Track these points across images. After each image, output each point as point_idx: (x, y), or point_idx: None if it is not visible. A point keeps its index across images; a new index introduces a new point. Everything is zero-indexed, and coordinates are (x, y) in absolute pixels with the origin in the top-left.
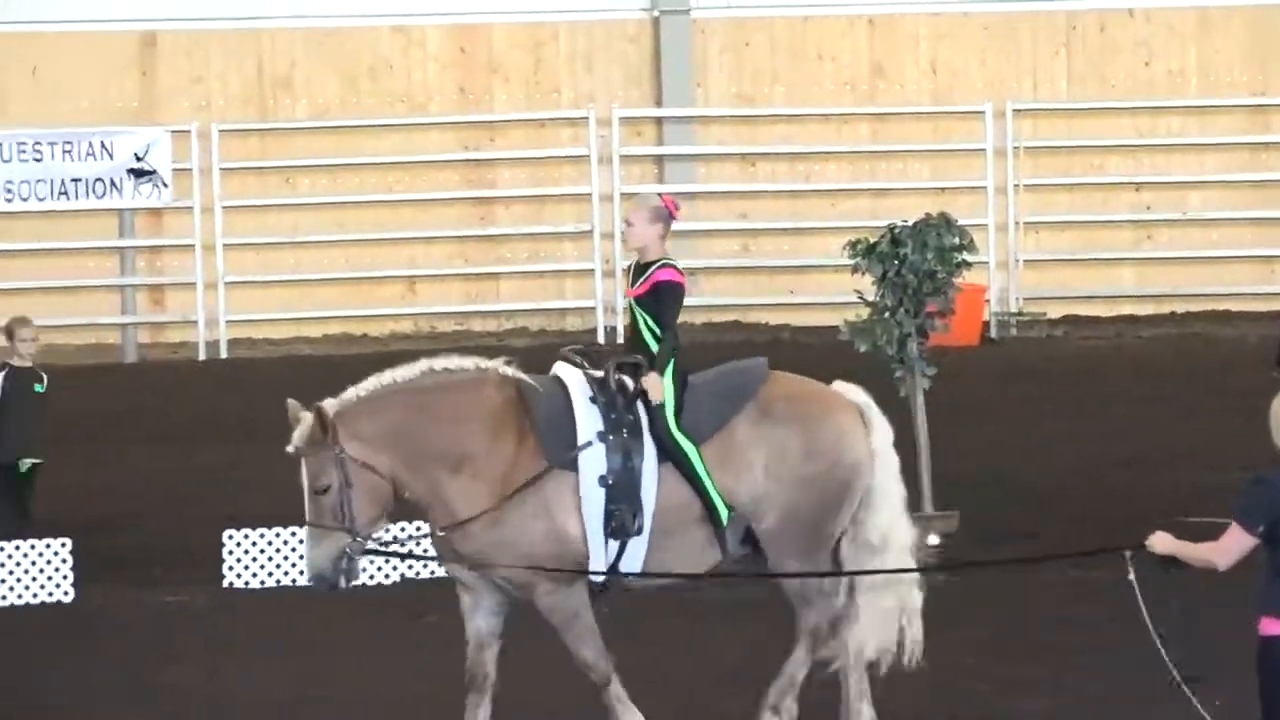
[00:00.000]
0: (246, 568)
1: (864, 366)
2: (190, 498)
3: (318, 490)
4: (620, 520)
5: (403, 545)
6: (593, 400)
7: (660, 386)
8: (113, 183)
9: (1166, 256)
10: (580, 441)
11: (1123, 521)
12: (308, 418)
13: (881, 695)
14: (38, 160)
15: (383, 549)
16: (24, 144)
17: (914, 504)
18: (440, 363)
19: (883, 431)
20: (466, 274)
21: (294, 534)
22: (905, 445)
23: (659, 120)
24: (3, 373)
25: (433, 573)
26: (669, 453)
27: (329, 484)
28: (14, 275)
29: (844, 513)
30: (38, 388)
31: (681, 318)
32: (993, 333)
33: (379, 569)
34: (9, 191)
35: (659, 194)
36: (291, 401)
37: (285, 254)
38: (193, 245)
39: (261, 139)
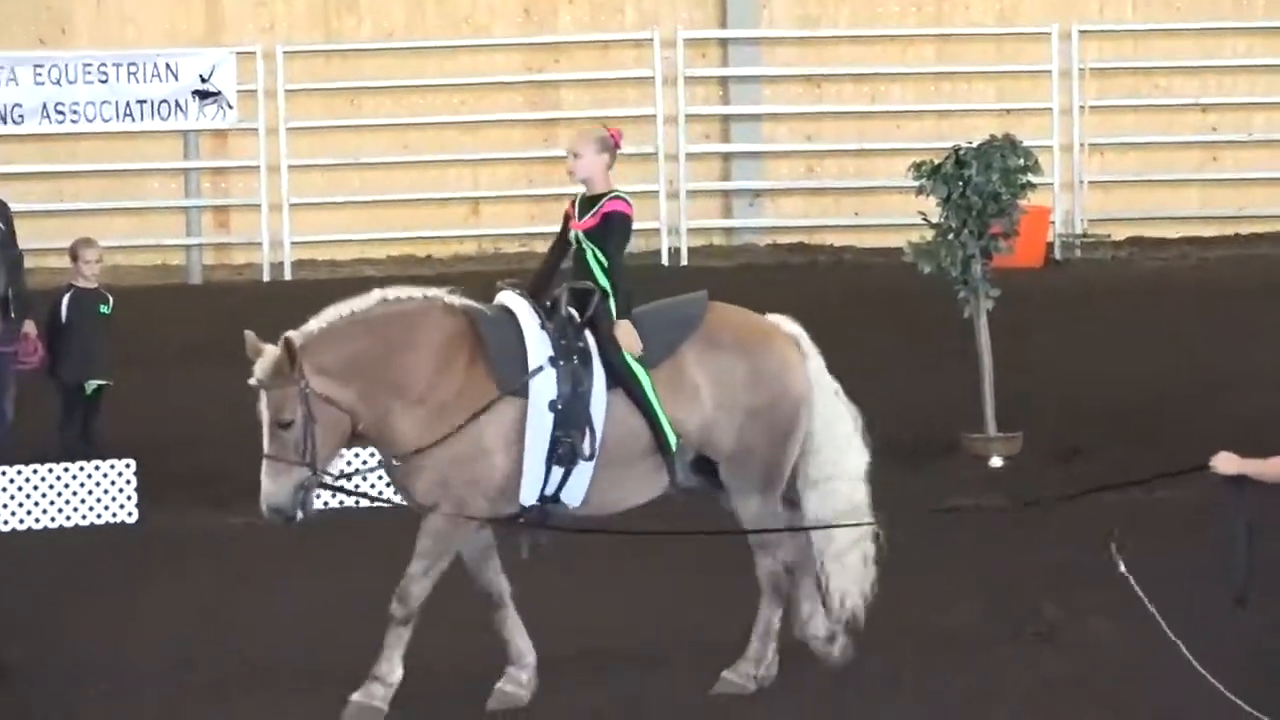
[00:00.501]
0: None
1: (928, 288)
2: (254, 420)
3: (281, 424)
4: (569, 447)
5: (364, 477)
6: (542, 327)
7: (632, 335)
8: (178, 104)
9: (1232, 178)
10: (531, 367)
11: (1188, 442)
12: (271, 350)
13: (941, 607)
14: (103, 82)
15: (338, 484)
16: (89, 66)
17: (978, 425)
18: (393, 292)
19: (817, 361)
20: (530, 195)
21: (356, 455)
22: (969, 367)
23: (723, 41)
24: (67, 294)
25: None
26: (619, 379)
27: (293, 418)
28: (79, 197)
29: (793, 445)
30: (103, 309)
31: (746, 238)
32: (1057, 254)
33: None
34: (75, 113)
35: (603, 124)
36: (249, 334)
37: (350, 175)
38: (257, 167)
39: (326, 60)
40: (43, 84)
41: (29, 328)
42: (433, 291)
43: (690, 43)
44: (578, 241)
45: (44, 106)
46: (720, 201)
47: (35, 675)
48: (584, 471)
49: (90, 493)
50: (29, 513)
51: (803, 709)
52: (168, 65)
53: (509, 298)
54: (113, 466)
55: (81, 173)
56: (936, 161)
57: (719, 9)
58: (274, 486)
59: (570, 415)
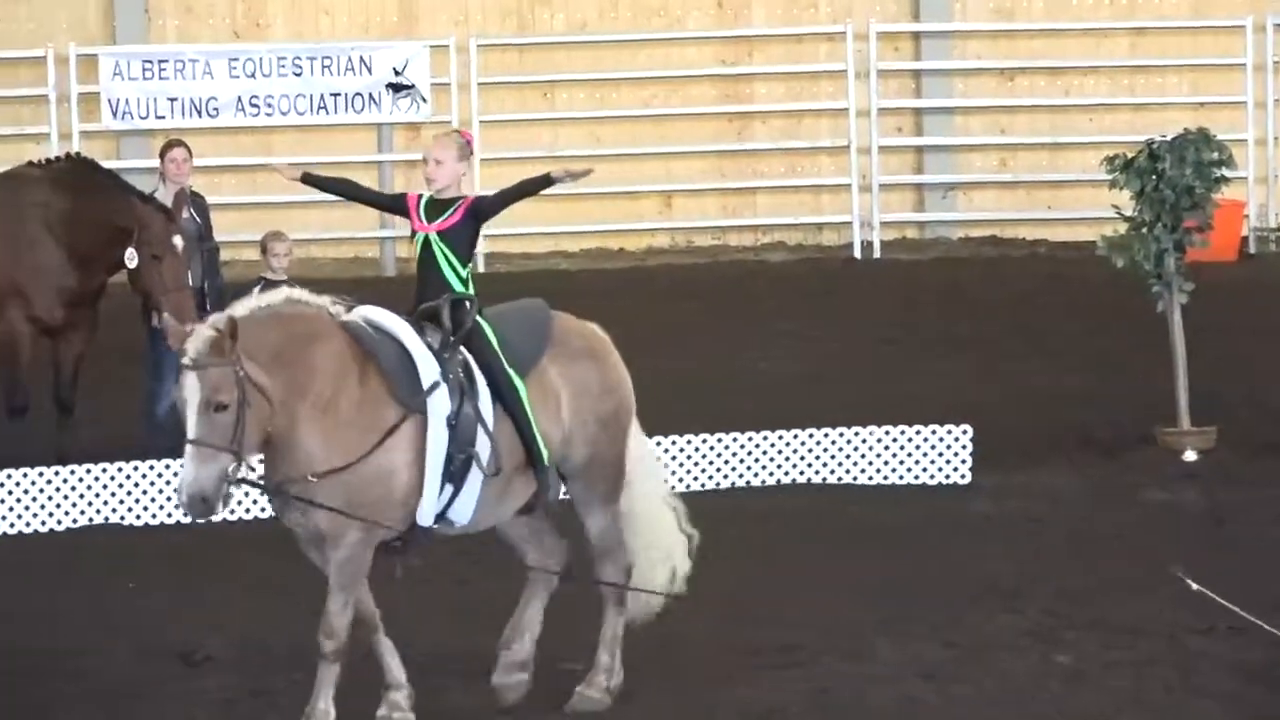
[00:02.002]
0: None
1: (1121, 282)
2: None
3: (215, 406)
4: (462, 464)
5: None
6: (426, 342)
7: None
8: (371, 97)
9: None
10: (426, 384)
11: None
12: (203, 329)
13: (1126, 600)
14: (297, 75)
15: (255, 482)
16: (284, 59)
17: (1171, 419)
18: (298, 293)
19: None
20: (723, 188)
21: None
22: (1163, 361)
23: (916, 35)
24: (257, 286)
25: None
26: (499, 391)
27: (228, 401)
28: (273, 189)
29: (627, 453)
30: None
31: (939, 232)
32: (1251, 248)
33: None
34: (269, 106)
35: (456, 129)
36: (167, 316)
37: (542, 168)
38: None
39: (520, 53)
40: (238, 77)
41: None
42: (323, 299)
43: (883, 36)
44: (426, 244)
45: (239, 100)
46: (913, 195)
47: (234, 665)
48: (474, 489)
49: None
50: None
51: (985, 701)
52: (362, 58)
53: (376, 313)
54: None
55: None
56: (1130, 155)
57: (912, 2)
58: (200, 473)
59: (464, 431)
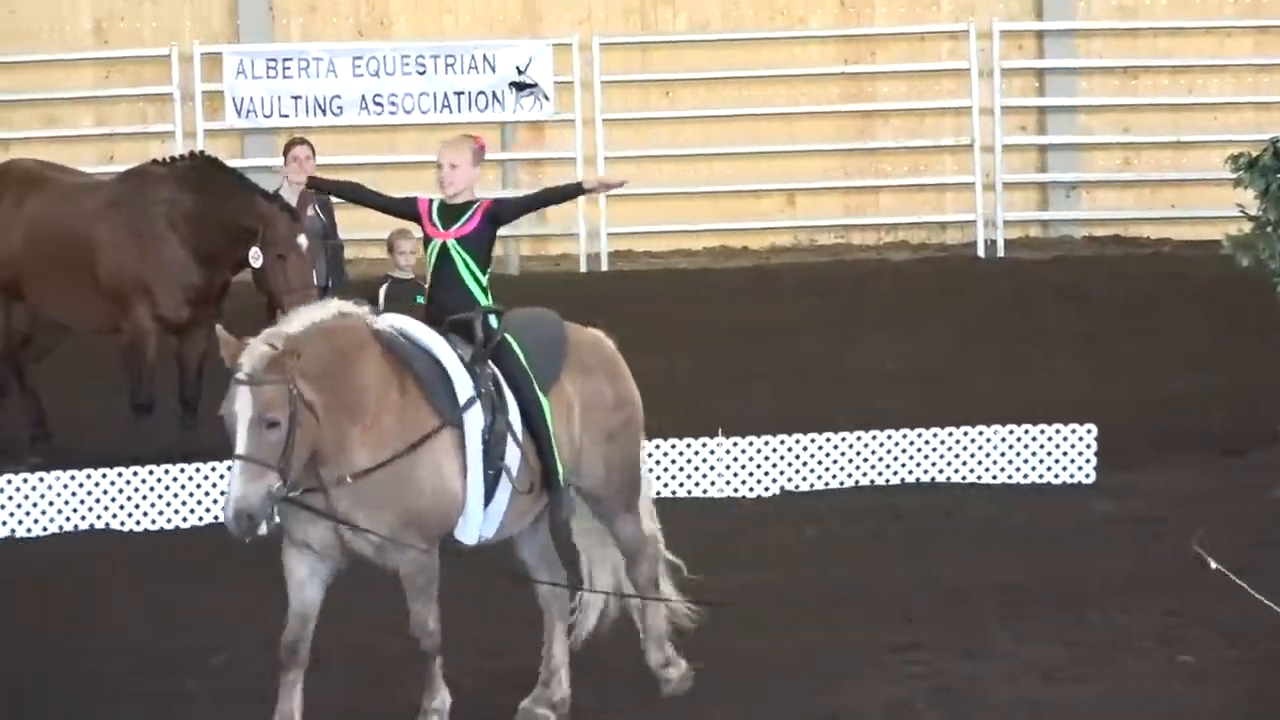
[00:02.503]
0: None
1: (1246, 280)
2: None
3: (267, 423)
4: (491, 480)
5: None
6: (460, 356)
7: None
8: (495, 96)
9: None
10: (462, 399)
11: None
12: (259, 345)
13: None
14: (421, 73)
15: (299, 500)
16: (408, 58)
17: None
18: (348, 306)
19: None
20: (846, 187)
21: (673, 446)
22: None
23: (1039, 33)
24: (384, 285)
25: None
26: (525, 407)
27: (279, 419)
28: (399, 187)
29: (642, 462)
30: (418, 299)
31: (1063, 230)
32: None
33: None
34: (393, 104)
35: (468, 134)
36: (219, 328)
37: (665, 167)
38: (574, 158)
39: (642, 52)
40: (361, 76)
41: None
42: (363, 308)
43: (1006, 34)
44: (443, 251)
45: (363, 98)
46: (1036, 193)
47: (353, 660)
48: (502, 504)
49: None
50: None
51: (1107, 702)
52: (485, 57)
53: (409, 324)
54: None
55: (400, 164)
56: (1254, 154)
57: (1035, 1)
58: (248, 490)
59: (496, 446)
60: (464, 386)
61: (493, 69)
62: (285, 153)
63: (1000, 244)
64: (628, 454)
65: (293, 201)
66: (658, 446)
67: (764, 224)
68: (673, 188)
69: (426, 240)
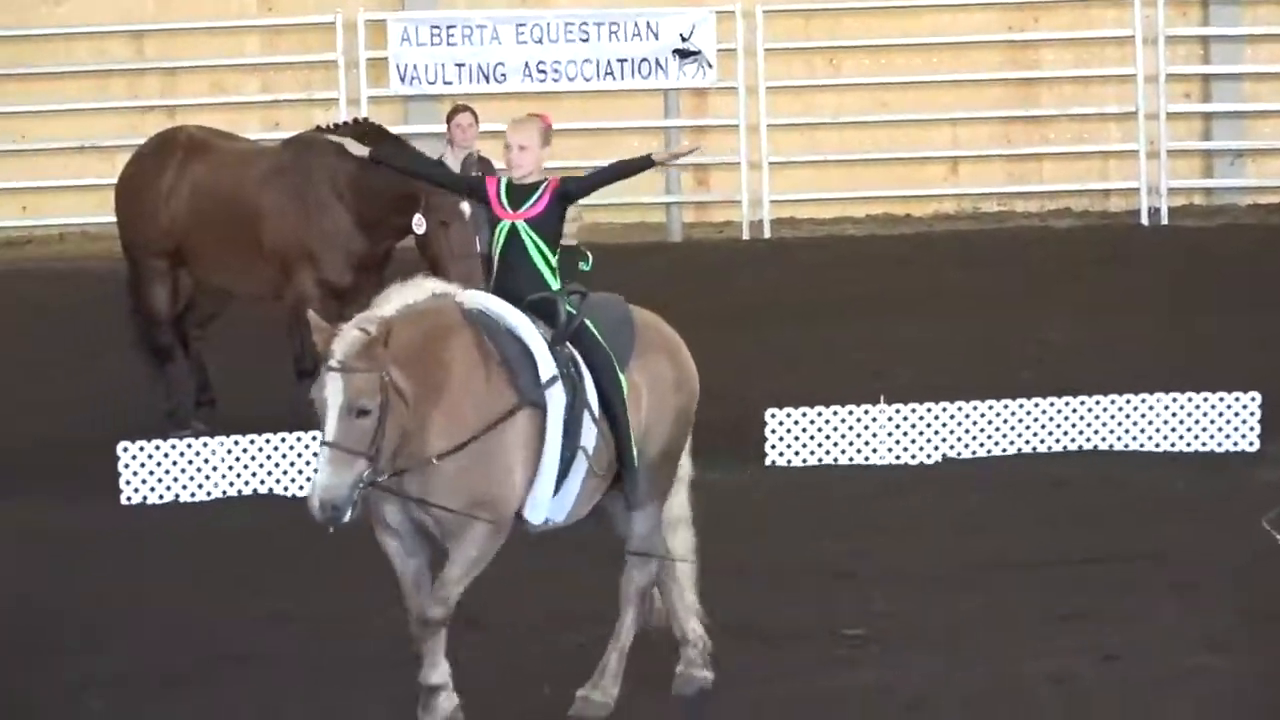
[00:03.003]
0: (789, 446)
1: None
2: (734, 376)
3: (358, 411)
4: (570, 460)
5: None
6: (542, 335)
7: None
8: (658, 63)
9: None
10: (545, 377)
11: None
12: (354, 331)
13: None
14: (584, 41)
15: (387, 486)
16: (571, 25)
17: None
18: (441, 286)
19: None
20: (1009, 155)
21: (834, 413)
22: None
23: (1204, 1)
24: None
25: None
26: (605, 389)
27: (371, 407)
28: (561, 155)
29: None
30: (582, 266)
31: (1227, 198)
32: None
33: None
34: (556, 72)
35: (536, 114)
36: (312, 314)
37: (828, 134)
38: (737, 126)
39: (805, 20)
40: (525, 43)
41: None
42: (452, 286)
43: (1171, 1)
44: (512, 232)
45: (526, 65)
46: (1201, 161)
47: (512, 628)
48: (575, 485)
49: None
50: None
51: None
52: (648, 24)
53: (493, 302)
54: None
55: (563, 131)
56: None
57: None
58: (335, 479)
59: (575, 427)
60: (546, 366)
61: (656, 36)
62: (449, 120)
63: (1164, 212)
64: (679, 439)
65: (456, 168)
66: (819, 414)
67: (927, 191)
68: (836, 155)
69: (494, 220)
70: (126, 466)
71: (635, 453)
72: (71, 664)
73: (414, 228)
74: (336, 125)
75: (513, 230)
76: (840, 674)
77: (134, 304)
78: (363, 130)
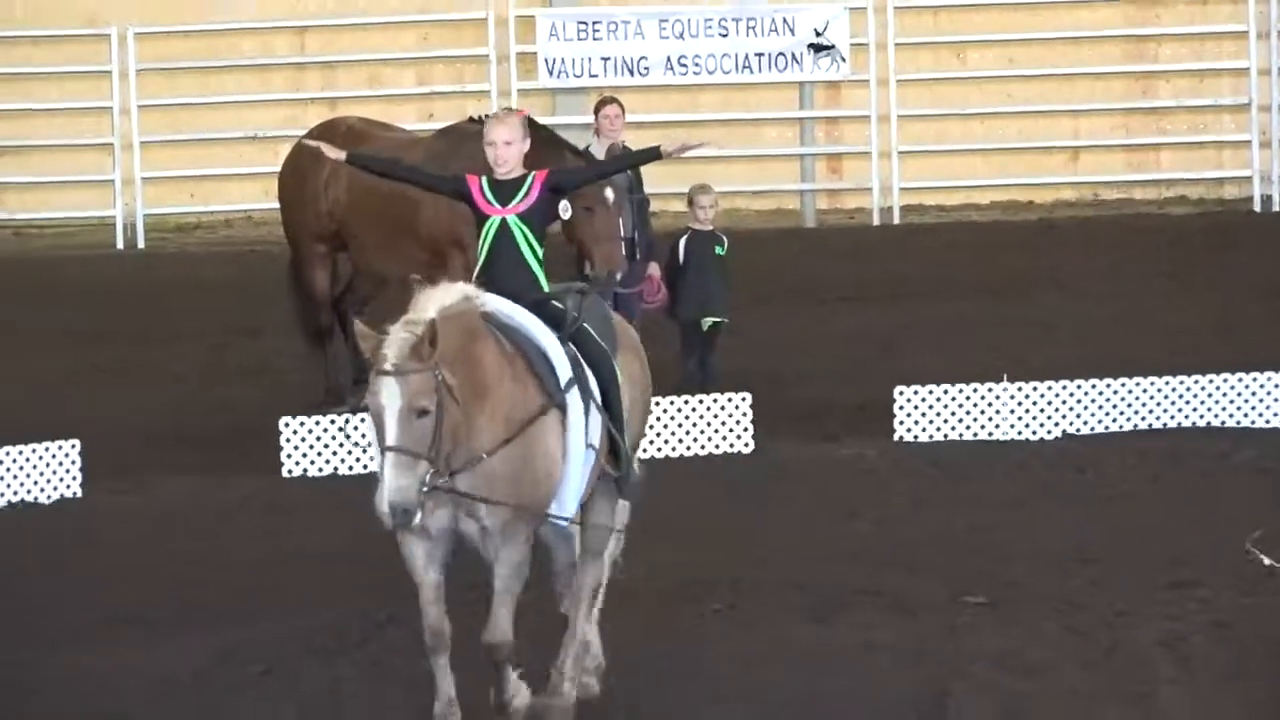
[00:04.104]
0: (916, 423)
1: None
2: (865, 355)
3: (418, 412)
4: (586, 457)
5: None
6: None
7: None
8: (793, 57)
9: None
10: (563, 380)
11: None
12: (402, 334)
13: None
14: (723, 36)
15: (451, 487)
16: (711, 21)
17: None
18: (472, 290)
19: None
20: (1128, 144)
21: (960, 391)
22: None
23: None
24: (685, 237)
25: None
26: (605, 387)
27: (429, 406)
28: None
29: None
30: (718, 250)
31: None
32: None
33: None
34: (697, 65)
35: (513, 108)
36: (358, 322)
37: (956, 125)
38: (868, 116)
39: (934, 15)
40: (667, 38)
41: (653, 270)
42: (470, 288)
43: None
44: (501, 228)
45: (668, 59)
46: None
47: (655, 594)
48: (585, 483)
49: (709, 424)
50: (650, 442)
51: None
52: (784, 20)
53: (503, 304)
54: (729, 399)
55: (702, 121)
56: None
57: None
58: (404, 482)
59: (586, 425)
60: (563, 367)
61: (792, 31)
62: (595, 111)
63: (1276, 199)
64: (641, 434)
65: (602, 156)
66: (946, 391)
67: (1049, 179)
68: (963, 145)
69: (481, 217)
70: (288, 441)
71: (627, 449)
72: (230, 629)
73: (560, 213)
74: (488, 116)
75: (502, 225)
76: (964, 639)
77: (295, 286)
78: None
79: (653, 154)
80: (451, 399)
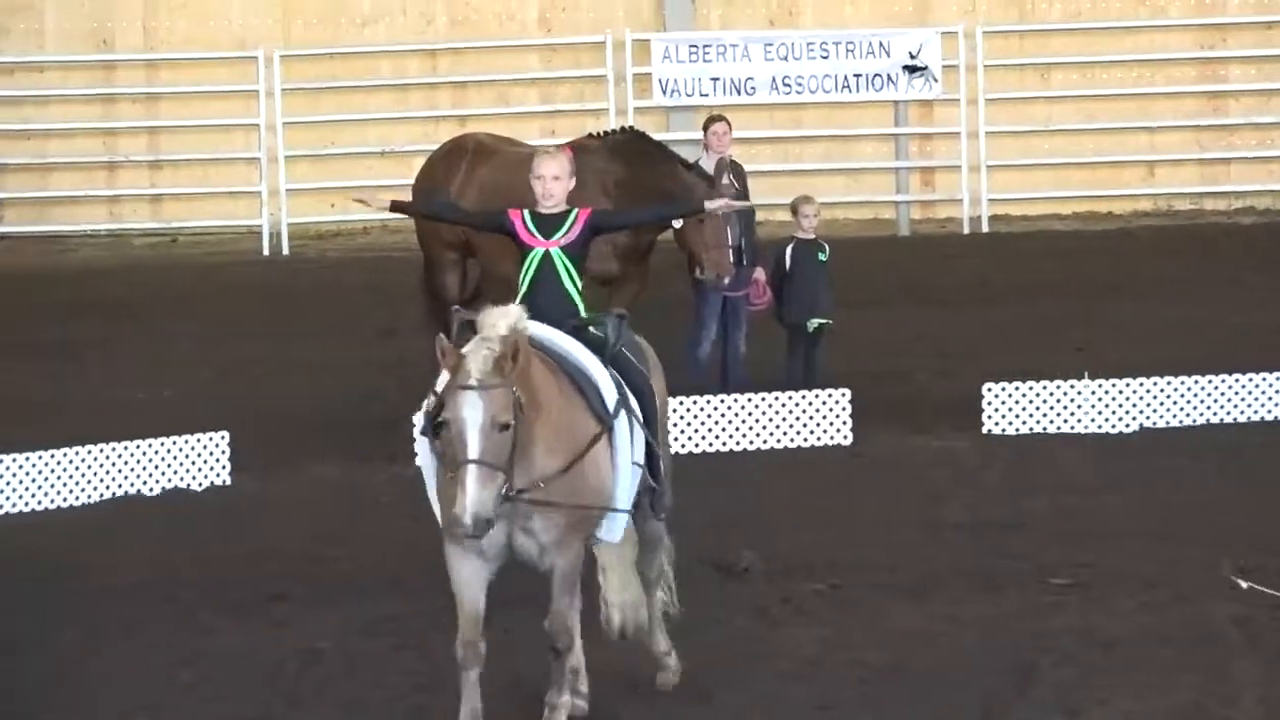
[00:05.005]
0: (1003, 417)
1: None
2: (955, 354)
3: (500, 426)
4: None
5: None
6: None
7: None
8: (889, 78)
9: None
10: (610, 402)
11: None
12: (484, 349)
13: None
14: (825, 58)
15: (533, 498)
16: (813, 44)
17: None
18: (523, 311)
19: None
20: (1200, 159)
21: (1044, 387)
22: None
23: None
24: (790, 245)
25: None
26: (645, 409)
27: (509, 420)
28: (803, 158)
29: None
30: (820, 257)
31: None
32: None
33: None
34: (799, 86)
35: (559, 145)
36: (440, 337)
37: (1040, 141)
38: (959, 133)
39: (1020, 39)
40: (772, 60)
41: (759, 274)
42: (523, 314)
43: None
44: (544, 260)
45: (773, 80)
46: None
47: (766, 574)
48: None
49: (811, 418)
50: (757, 434)
51: None
52: (881, 43)
53: (545, 330)
54: (830, 395)
55: (805, 138)
56: None
57: None
58: (485, 495)
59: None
60: (609, 390)
61: (888, 54)
62: (705, 128)
63: None
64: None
65: (710, 170)
66: (1031, 388)
67: (1127, 191)
68: (1047, 159)
69: (524, 249)
70: (410, 440)
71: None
72: (367, 606)
73: (672, 222)
74: (607, 132)
75: (545, 257)
76: (1049, 617)
77: (427, 289)
78: (628, 137)
79: (696, 208)
80: (523, 414)
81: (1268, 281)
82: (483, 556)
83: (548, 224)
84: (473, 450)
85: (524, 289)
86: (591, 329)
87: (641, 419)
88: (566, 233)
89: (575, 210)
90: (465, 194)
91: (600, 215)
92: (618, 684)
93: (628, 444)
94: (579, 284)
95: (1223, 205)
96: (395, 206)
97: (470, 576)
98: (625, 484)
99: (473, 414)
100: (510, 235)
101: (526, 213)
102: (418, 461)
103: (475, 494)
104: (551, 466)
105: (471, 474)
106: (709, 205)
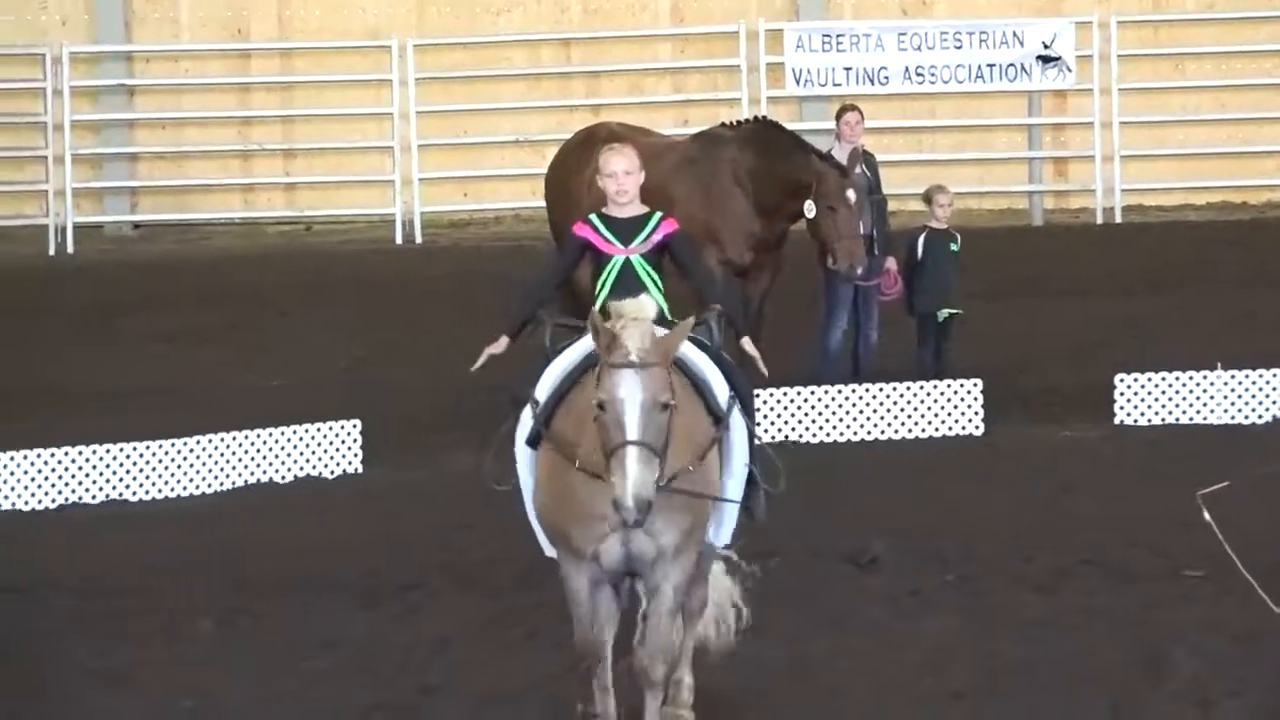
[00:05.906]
0: (1135, 407)
1: None
2: (1088, 344)
3: (660, 406)
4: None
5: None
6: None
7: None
8: (1023, 68)
9: None
10: (722, 398)
11: None
12: (641, 327)
13: None
14: (958, 48)
15: (683, 488)
16: (946, 34)
17: None
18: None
19: None
20: None
21: (1176, 378)
22: None
23: None
24: (922, 234)
25: None
26: (745, 407)
27: (668, 401)
28: (935, 148)
29: None
30: (952, 247)
31: None
32: None
33: None
34: (933, 75)
35: (625, 142)
36: (594, 313)
37: (1174, 131)
38: (1092, 123)
39: (1155, 30)
40: (905, 50)
41: (890, 264)
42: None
43: None
44: (625, 266)
45: (906, 69)
46: None
47: (896, 565)
48: (735, 509)
49: (942, 408)
50: (889, 425)
51: None
52: (1014, 33)
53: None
54: (961, 385)
55: (937, 128)
56: None
57: None
58: (646, 476)
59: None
60: (721, 388)
61: (1021, 44)
62: (838, 117)
63: None
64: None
65: (843, 160)
66: (1163, 378)
67: (1261, 181)
68: (1180, 150)
69: (603, 259)
70: None
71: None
72: (498, 595)
73: (805, 212)
74: (739, 122)
75: (626, 264)
76: (1179, 609)
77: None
78: (761, 126)
79: (736, 331)
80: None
81: None
82: (596, 565)
83: (624, 229)
84: (633, 430)
85: (605, 293)
86: (714, 327)
87: (749, 420)
88: (647, 239)
89: (658, 216)
90: (597, 184)
91: (679, 242)
92: (735, 680)
93: (745, 443)
94: (661, 285)
95: None
96: (512, 338)
97: (588, 587)
98: (738, 485)
99: (632, 393)
100: (590, 252)
101: (595, 219)
102: (516, 479)
103: (638, 474)
104: (679, 464)
105: (633, 455)
106: (746, 345)
